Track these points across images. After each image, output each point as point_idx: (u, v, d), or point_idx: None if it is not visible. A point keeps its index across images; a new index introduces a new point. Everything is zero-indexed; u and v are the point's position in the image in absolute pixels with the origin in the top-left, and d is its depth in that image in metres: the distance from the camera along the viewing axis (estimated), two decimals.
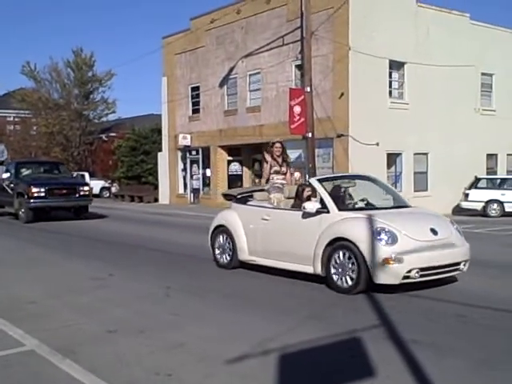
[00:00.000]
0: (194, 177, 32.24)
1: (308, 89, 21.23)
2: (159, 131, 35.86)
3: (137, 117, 48.65)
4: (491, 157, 28.04)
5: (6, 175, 21.89)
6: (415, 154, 24.78)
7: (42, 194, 20.43)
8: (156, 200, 34.71)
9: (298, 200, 9.80)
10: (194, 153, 31.90)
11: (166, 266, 11.67)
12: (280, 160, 11.43)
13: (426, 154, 25.11)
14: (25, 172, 22.26)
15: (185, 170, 32.83)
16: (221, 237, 10.77)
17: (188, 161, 32.49)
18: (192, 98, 31.48)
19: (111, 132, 48.46)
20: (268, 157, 11.33)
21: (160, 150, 34.70)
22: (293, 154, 25.32)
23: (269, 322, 7.05)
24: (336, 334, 6.44)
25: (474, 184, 24.70)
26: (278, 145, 11.54)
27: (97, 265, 11.60)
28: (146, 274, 10.55)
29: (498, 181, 25.64)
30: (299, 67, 24.15)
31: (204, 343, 6.24)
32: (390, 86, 24.41)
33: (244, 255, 10.28)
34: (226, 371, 5.40)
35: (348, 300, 8.23)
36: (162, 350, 5.98)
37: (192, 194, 32.45)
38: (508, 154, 28.70)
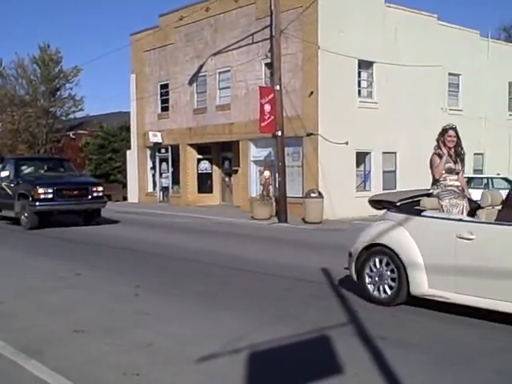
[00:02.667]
0: (164, 175, 32.03)
1: (277, 87, 21.23)
2: (128, 129, 35.51)
3: (105, 114, 48.14)
4: None
5: (4, 174, 19.11)
6: (384, 152, 24.97)
7: (50, 196, 17.79)
8: (125, 198, 34.37)
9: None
10: (163, 151, 31.68)
11: (135, 264, 11.58)
12: (453, 154, 8.67)
13: (394, 152, 25.32)
14: (26, 170, 19.77)
15: (154, 168, 32.59)
16: (377, 260, 7.84)
17: (157, 159, 32.26)
18: (161, 95, 31.25)
19: (79, 129, 47.86)
20: (444, 149, 8.63)
21: (129, 147, 34.38)
22: (263, 153, 25.42)
23: (239, 321, 7.05)
24: (305, 332, 6.47)
25: None
26: (451, 132, 8.80)
27: (64, 264, 11.43)
28: (115, 273, 10.45)
29: (465, 179, 25.92)
30: (269, 65, 24.13)
31: (173, 342, 6.21)
32: (359, 86, 24.55)
33: (421, 288, 7.34)
34: (195, 370, 5.38)
35: (318, 299, 8.26)
36: (129, 349, 5.93)
37: (161, 193, 32.23)
38: (475, 154, 29.07)
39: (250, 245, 15.01)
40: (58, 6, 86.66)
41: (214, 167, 30.07)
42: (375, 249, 7.94)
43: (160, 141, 30.86)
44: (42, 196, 17.68)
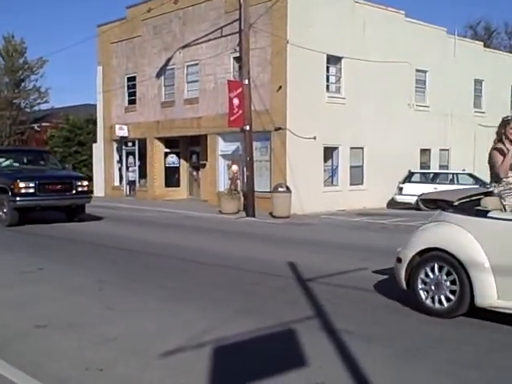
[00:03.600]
0: (130, 169, 31.71)
1: (246, 81, 21.17)
2: (94, 122, 35.06)
3: (71, 106, 47.38)
4: (425, 152, 28.76)
5: None
6: (351, 148, 25.12)
7: (32, 191, 16.65)
8: (91, 192, 33.90)
9: None
10: (130, 144, 31.37)
11: (100, 259, 11.43)
12: None
13: (361, 148, 25.49)
14: (4, 162, 18.45)
15: (120, 161, 32.25)
16: (435, 267, 6.94)
17: (124, 152, 31.92)
18: (128, 88, 30.90)
19: (44, 122, 47.04)
20: (507, 143, 7.25)
21: (95, 140, 33.96)
22: (231, 147, 25.35)
23: (205, 315, 7.01)
24: (270, 325, 6.47)
25: (408, 178, 25.27)
26: None
27: (25, 258, 11.23)
28: (78, 268, 10.30)
29: (431, 175, 26.32)
30: (237, 59, 24.04)
31: (138, 337, 6.15)
32: (328, 81, 24.62)
33: (488, 299, 6.52)
34: (160, 364, 5.33)
35: (285, 293, 8.25)
36: (93, 344, 5.85)
37: (128, 187, 31.91)
38: (441, 149, 29.50)
39: (218, 239, 14.96)
40: None
41: (182, 161, 29.90)
42: (431, 254, 7.04)
43: (126, 134, 30.55)
44: (23, 190, 16.60)
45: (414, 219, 20.06)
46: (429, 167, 28.52)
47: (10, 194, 16.50)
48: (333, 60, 24.38)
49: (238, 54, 23.79)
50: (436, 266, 6.92)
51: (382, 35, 25.57)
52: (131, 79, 30.59)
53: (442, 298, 6.86)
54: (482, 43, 34.86)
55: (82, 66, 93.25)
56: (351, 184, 25.10)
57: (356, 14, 24.75)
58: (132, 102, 30.70)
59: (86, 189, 18.07)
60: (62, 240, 14.33)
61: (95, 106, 34.26)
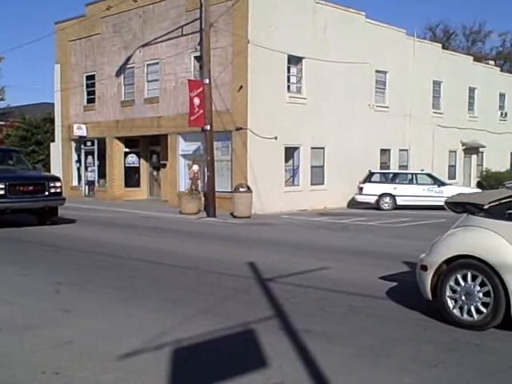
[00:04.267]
0: (89, 169, 31.24)
1: (207, 81, 21.04)
2: (52, 121, 34.46)
3: (28, 105, 46.52)
4: (384, 152, 29.07)
5: None
6: (312, 148, 25.21)
7: (1, 192, 15.55)
8: None
9: None
10: (89, 144, 30.89)
11: (58, 261, 11.21)
12: None
13: (322, 148, 25.61)
14: None
15: (79, 161, 31.74)
16: (468, 275, 6.46)
17: (83, 152, 31.42)
18: (87, 86, 30.42)
19: None
20: None
21: (53, 140, 33.37)
22: (191, 147, 25.19)
23: (163, 316, 6.93)
24: (230, 326, 6.44)
25: (368, 178, 25.49)
26: None
27: None
28: (35, 270, 10.07)
29: (391, 175, 26.62)
30: (198, 59, 23.90)
31: (95, 339, 6.05)
32: (289, 81, 24.65)
33: None
34: (118, 367, 5.26)
35: (244, 293, 8.22)
36: (49, 347, 5.74)
37: (87, 187, 31.43)
38: (400, 150, 29.86)
39: (178, 239, 14.83)
40: None
41: (142, 161, 29.59)
42: (462, 261, 6.56)
43: (85, 134, 30.08)
44: None
45: (374, 219, 20.33)
46: (388, 167, 28.85)
47: None
48: (294, 60, 24.44)
49: (198, 54, 23.65)
50: (469, 274, 6.45)
51: (343, 36, 25.75)
52: (90, 78, 30.13)
53: (472, 308, 6.40)
54: (440, 45, 35.42)
55: (40, 63, 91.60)
56: (312, 184, 25.20)
57: (317, 15, 24.86)
58: (91, 100, 30.25)
59: (59, 190, 17.10)
60: (12, 240, 14.01)
61: (53, 104, 33.66)
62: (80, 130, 30.05)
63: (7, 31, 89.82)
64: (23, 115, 39.01)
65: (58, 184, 17.18)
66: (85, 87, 30.44)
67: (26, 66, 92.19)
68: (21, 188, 16.15)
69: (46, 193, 16.56)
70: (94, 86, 29.87)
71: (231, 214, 20.88)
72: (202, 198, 22.37)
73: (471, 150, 35.00)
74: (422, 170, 26.68)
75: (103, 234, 15.76)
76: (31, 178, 17.06)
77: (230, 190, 22.15)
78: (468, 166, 35.47)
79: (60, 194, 17.14)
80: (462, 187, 28.55)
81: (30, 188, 16.40)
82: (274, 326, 6.51)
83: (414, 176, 26.23)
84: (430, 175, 26.13)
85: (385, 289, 8.53)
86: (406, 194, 24.91)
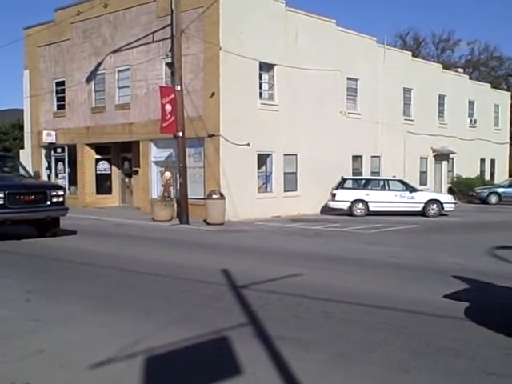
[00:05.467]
0: (60, 175, 30.84)
1: (178, 87, 20.96)
2: (21, 127, 34.04)
3: None
4: (356, 158, 29.26)
5: None
6: (285, 154, 25.25)
7: (0, 202, 14.25)
8: None
9: None
10: (59, 150, 30.52)
11: (28, 269, 11.00)
12: None
13: (295, 154, 25.67)
14: None
15: (49, 168, 31.33)
16: None
17: (53, 159, 31.04)
18: (57, 93, 30.08)
19: None
20: None
21: (22, 147, 32.92)
22: (163, 153, 25.03)
23: (136, 325, 6.85)
24: (204, 334, 6.38)
25: (341, 184, 25.60)
26: None
27: None
28: (4, 278, 9.84)
29: (363, 181, 26.79)
30: (170, 65, 23.78)
31: (66, 348, 5.97)
32: (261, 88, 24.68)
33: None
34: (90, 376, 5.19)
35: (218, 300, 8.15)
36: (19, 357, 5.62)
37: None
38: (372, 156, 30.08)
39: (150, 247, 14.69)
40: None
41: (114, 168, 29.33)
42: None
43: (54, 141, 29.72)
44: None
45: (347, 225, 20.41)
46: (361, 173, 29.03)
47: None
48: (265, 67, 24.48)
49: (170, 60, 23.53)
50: None
51: (314, 43, 25.90)
52: (60, 84, 29.80)
53: None
54: (410, 53, 35.86)
55: (8, 69, 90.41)
56: (285, 190, 25.23)
57: (288, 22, 24.96)
58: (61, 107, 29.91)
59: (61, 199, 15.68)
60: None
61: (22, 110, 33.23)
62: (49, 137, 29.69)
63: None
64: None
65: (61, 193, 15.81)
66: (54, 93, 30.10)
67: None
68: (21, 197, 14.80)
69: (48, 202, 15.24)
70: (63, 93, 29.56)
71: (204, 220, 20.77)
72: (175, 205, 22.24)
73: (442, 156, 35.44)
74: (394, 177, 26.91)
75: (73, 241, 15.52)
76: (32, 187, 15.72)
77: (202, 197, 22.05)
78: (439, 172, 35.91)
79: (62, 203, 15.77)
80: (434, 193, 28.90)
81: (31, 197, 15.05)
82: (248, 333, 6.47)
83: (385, 182, 26.43)
84: (401, 181, 26.36)
85: (357, 294, 8.54)
86: (379, 200, 25.07)
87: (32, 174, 17.51)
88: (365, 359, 5.65)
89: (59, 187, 16.46)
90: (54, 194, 15.44)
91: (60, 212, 15.68)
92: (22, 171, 17.14)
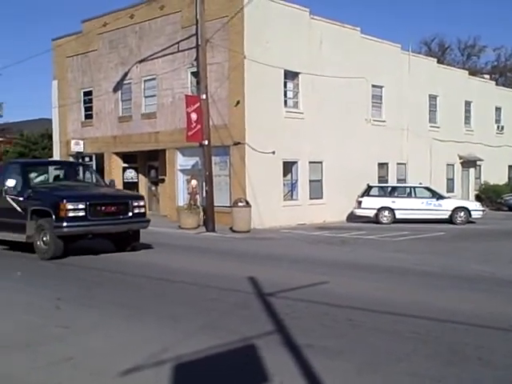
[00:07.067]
0: None
1: (204, 96, 21.11)
2: (50, 136, 34.49)
3: (26, 121, 46.63)
4: (382, 165, 29.11)
5: (11, 183, 13.89)
6: (310, 162, 25.24)
7: (81, 214, 13.16)
8: None
9: None
10: (87, 159, 30.86)
11: (58, 277, 11.17)
12: None
13: (320, 162, 25.64)
14: (37, 178, 14.96)
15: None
16: None
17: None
18: (84, 102, 30.49)
19: None
20: None
21: (51, 156, 33.36)
22: (189, 162, 25.19)
23: (163, 332, 6.91)
24: (231, 342, 6.39)
25: (367, 192, 25.48)
26: None
27: None
28: (35, 286, 10.00)
29: (389, 189, 26.62)
30: (195, 74, 23.96)
31: (96, 356, 6.02)
32: (285, 96, 24.74)
33: None
34: (119, 383, 5.17)
35: (244, 308, 8.17)
36: (49, 364, 5.68)
37: None
38: (398, 163, 29.91)
39: (177, 254, 14.78)
40: None
41: (141, 176, 29.57)
42: None
43: (82, 150, 30.08)
44: (72, 214, 13.06)
45: (373, 233, 20.30)
46: (387, 181, 28.87)
47: (53, 218, 13.03)
48: (290, 75, 24.53)
49: (195, 69, 23.70)
50: None
51: (339, 51, 25.89)
52: (87, 94, 30.20)
53: None
54: (435, 59, 35.64)
55: (38, 80, 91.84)
56: (311, 198, 25.20)
57: (312, 30, 25.00)
58: (89, 116, 30.30)
59: (143, 210, 14.62)
60: (8, 256, 13.93)
61: (51, 120, 33.72)
62: (77, 146, 30.08)
63: (5, 49, 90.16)
64: (21, 131, 39.08)
65: (142, 203, 14.74)
66: (82, 103, 30.51)
67: (25, 83, 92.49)
68: (102, 208, 13.72)
69: (130, 213, 14.17)
70: (91, 102, 29.94)
71: (230, 228, 20.84)
72: (201, 213, 22.33)
73: (469, 163, 35.08)
74: (420, 184, 26.70)
75: (99, 249, 15.63)
76: (114, 197, 14.69)
77: (228, 205, 22.13)
78: (466, 179, 35.54)
79: (144, 214, 14.70)
80: (461, 200, 28.61)
81: (113, 208, 13.95)
82: (275, 341, 6.46)
83: (412, 189, 26.23)
84: (428, 188, 26.16)
85: (384, 302, 8.52)
86: (405, 207, 24.89)
87: (108, 182, 16.80)
88: (392, 369, 5.61)
89: (141, 197, 15.47)
90: (135, 204, 14.40)
91: (142, 224, 14.61)
92: (96, 180, 16.41)
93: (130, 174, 29.51)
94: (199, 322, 7.40)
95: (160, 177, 28.19)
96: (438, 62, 36.14)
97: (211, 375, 5.48)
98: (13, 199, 13.92)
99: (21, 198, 13.78)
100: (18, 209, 13.78)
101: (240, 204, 20.91)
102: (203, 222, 21.77)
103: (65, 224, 12.91)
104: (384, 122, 28.73)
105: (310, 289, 9.55)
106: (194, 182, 23.64)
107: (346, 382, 5.28)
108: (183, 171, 25.66)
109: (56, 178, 15.75)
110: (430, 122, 32.12)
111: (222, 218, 21.42)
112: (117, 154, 28.91)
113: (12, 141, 40.07)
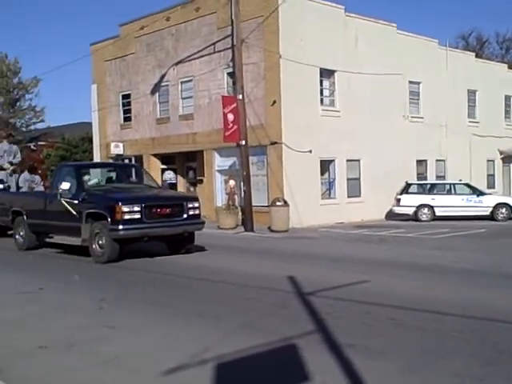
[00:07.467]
0: None
1: (240, 96, 21.22)
2: (90, 140, 35.09)
3: (67, 125, 47.50)
4: (421, 163, 28.80)
5: (65, 186, 13.76)
6: (348, 160, 25.13)
7: (137, 216, 13.01)
8: None
9: None
10: (127, 161, 31.31)
11: (100, 278, 11.37)
12: None
13: (358, 160, 25.51)
14: (91, 181, 14.97)
15: None
16: None
17: None
18: (123, 105, 30.94)
19: (40, 141, 47.15)
20: None
21: (91, 158, 33.94)
22: (227, 162, 25.34)
23: (205, 332, 6.96)
24: (272, 341, 6.40)
25: (405, 189, 25.26)
26: None
27: (25, 278, 11.13)
28: (79, 286, 10.22)
29: (428, 186, 26.34)
30: (231, 75, 24.11)
31: (139, 355, 6.10)
32: (322, 94, 24.68)
33: None
34: (163, 383, 5.29)
35: (285, 308, 8.20)
36: (95, 364, 5.80)
37: None
38: (437, 160, 29.55)
39: (216, 254, 14.87)
40: (16, 17, 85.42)
41: (179, 177, 29.86)
42: None
43: (121, 152, 30.51)
44: (127, 216, 12.85)
45: (413, 230, 20.11)
46: (425, 178, 28.56)
47: (109, 220, 12.82)
48: (326, 73, 24.47)
49: (231, 70, 23.85)
50: None
51: (375, 48, 25.70)
52: (126, 97, 30.64)
53: None
54: (473, 54, 35.08)
55: (77, 84, 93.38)
56: (349, 196, 25.10)
57: (348, 27, 24.89)
58: (127, 119, 30.74)
59: (197, 212, 14.33)
60: (59, 258, 14.24)
61: (91, 124, 34.30)
62: (117, 148, 30.53)
63: (45, 54, 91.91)
64: (62, 135, 39.82)
65: (197, 205, 14.38)
66: (121, 106, 30.96)
67: (65, 87, 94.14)
68: (158, 210, 13.56)
69: (185, 215, 13.89)
70: (129, 105, 30.36)
71: (269, 228, 20.90)
72: (240, 213, 22.45)
73: (510, 158, 34.42)
74: (460, 180, 26.35)
75: (139, 249, 15.86)
76: (169, 199, 14.66)
77: (266, 205, 22.20)
78: (507, 174, 34.86)
79: (199, 216, 14.44)
80: (502, 196, 28.12)
81: (168, 210, 13.76)
82: (316, 340, 6.46)
83: (451, 186, 25.91)
84: (468, 185, 25.80)
85: (426, 301, 8.45)
86: (445, 204, 24.61)
87: (160, 184, 16.46)
88: (436, 368, 5.55)
89: (195, 199, 15.04)
90: (190, 206, 14.11)
91: (197, 226, 14.36)
92: (148, 181, 16.16)
93: (169, 175, 29.79)
94: (239, 321, 7.45)
95: (198, 177, 28.42)
96: (476, 56, 35.55)
97: (252, 375, 5.52)
98: (67, 202, 13.82)
99: (75, 201, 13.67)
100: (73, 212, 13.68)
101: (278, 203, 20.96)
102: (241, 222, 21.89)
103: (121, 227, 12.75)
104: (422, 118, 28.42)
105: (349, 288, 9.53)
106: (231, 182, 23.77)
107: (388, 381, 5.26)
108: (221, 172, 25.83)
109: (109, 180, 15.73)
110: (469, 118, 31.63)
111: (260, 218, 21.50)
112: (155, 155, 29.26)
113: (54, 145, 40.87)
